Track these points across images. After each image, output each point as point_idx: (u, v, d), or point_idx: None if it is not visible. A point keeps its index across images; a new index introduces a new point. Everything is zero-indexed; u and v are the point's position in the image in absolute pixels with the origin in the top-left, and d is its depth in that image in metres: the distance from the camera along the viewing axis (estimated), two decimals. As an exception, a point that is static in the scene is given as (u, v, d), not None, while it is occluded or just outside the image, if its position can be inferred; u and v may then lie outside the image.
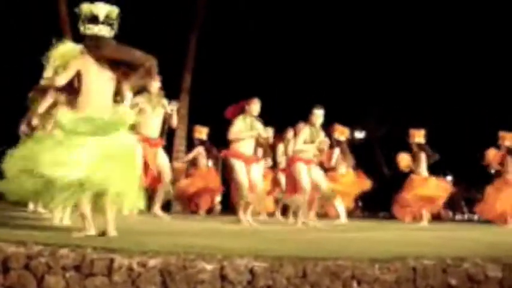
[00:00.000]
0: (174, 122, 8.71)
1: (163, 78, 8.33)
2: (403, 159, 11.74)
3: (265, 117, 9.14)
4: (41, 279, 3.40)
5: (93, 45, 4.93)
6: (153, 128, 8.38)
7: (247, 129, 8.67)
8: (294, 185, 9.02)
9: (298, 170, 8.81)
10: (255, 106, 8.74)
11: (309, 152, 8.95)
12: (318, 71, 21.01)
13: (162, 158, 8.44)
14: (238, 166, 8.55)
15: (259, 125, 8.84)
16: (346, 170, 11.48)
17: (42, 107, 6.55)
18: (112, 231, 4.67)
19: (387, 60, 21.08)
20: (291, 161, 9.15)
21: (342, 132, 11.41)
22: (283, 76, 20.35)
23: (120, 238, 4.46)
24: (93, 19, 4.90)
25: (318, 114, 8.90)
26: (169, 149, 18.80)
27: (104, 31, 4.93)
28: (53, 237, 4.13)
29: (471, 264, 4.05)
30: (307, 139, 8.87)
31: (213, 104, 9.27)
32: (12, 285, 3.37)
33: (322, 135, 9.04)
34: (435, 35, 20.65)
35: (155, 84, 8.26)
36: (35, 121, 6.93)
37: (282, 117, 10.59)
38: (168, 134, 18.87)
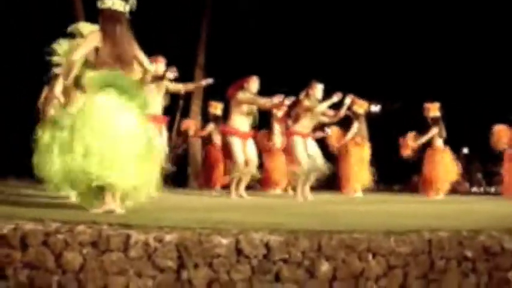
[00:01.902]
0: (179, 86, 8.73)
1: (178, 54, 8.35)
2: (410, 140, 11.63)
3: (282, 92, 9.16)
4: (59, 255, 3.43)
5: (106, 19, 4.93)
6: (157, 106, 8.45)
7: (246, 106, 8.84)
8: (292, 158, 9.16)
9: (294, 144, 8.88)
10: (254, 84, 8.90)
11: (307, 126, 9.01)
12: (336, 45, 20.86)
13: (164, 136, 8.53)
14: (235, 142, 8.72)
15: (261, 100, 8.98)
16: (362, 142, 11.47)
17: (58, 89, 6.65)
18: (119, 209, 4.69)
19: (404, 34, 20.89)
20: (288, 134, 9.21)
21: (361, 106, 11.38)
22: (298, 50, 20.23)
23: (136, 214, 4.49)
24: None
25: (318, 88, 8.95)
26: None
27: (118, 5, 4.94)
28: (70, 214, 4.17)
29: (487, 236, 4.05)
30: (310, 107, 8.91)
31: (227, 80, 9.26)
32: (30, 261, 3.40)
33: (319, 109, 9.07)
34: (449, 7, 20.41)
35: (160, 65, 8.31)
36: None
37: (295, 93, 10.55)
38: (183, 109, 18.90)
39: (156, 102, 8.35)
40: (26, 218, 3.69)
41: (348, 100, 9.35)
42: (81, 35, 5.56)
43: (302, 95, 9.06)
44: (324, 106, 8.96)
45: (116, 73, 4.80)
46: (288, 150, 9.40)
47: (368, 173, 11.55)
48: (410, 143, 11.59)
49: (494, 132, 11.60)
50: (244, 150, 8.86)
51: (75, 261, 3.43)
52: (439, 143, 11.41)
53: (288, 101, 8.94)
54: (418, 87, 19.74)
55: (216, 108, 12.56)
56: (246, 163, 8.84)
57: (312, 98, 8.96)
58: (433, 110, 11.46)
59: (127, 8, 5.01)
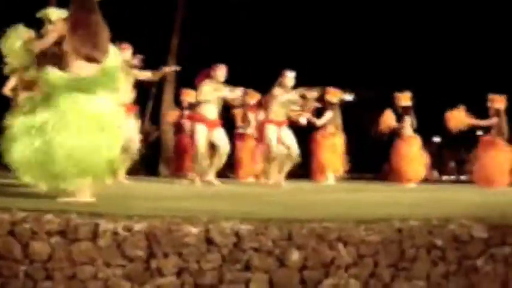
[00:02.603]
0: (148, 74, 8.72)
1: (151, 41, 8.32)
2: (388, 118, 11.70)
3: (251, 82, 9.21)
4: (26, 245, 3.39)
5: (79, 8, 4.85)
6: (126, 94, 8.41)
7: (213, 94, 8.84)
8: (264, 146, 9.23)
9: (267, 132, 8.94)
10: (221, 72, 8.90)
11: (280, 114, 9.06)
12: (307, 35, 20.87)
13: (132, 124, 8.49)
14: (200, 130, 8.73)
15: (225, 90, 8.99)
16: (335, 131, 11.50)
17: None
18: (88, 198, 4.64)
19: (376, 25, 20.97)
20: (262, 123, 9.25)
21: (334, 95, 11.40)
22: (270, 39, 20.19)
23: (105, 203, 4.44)
24: None
25: (290, 77, 9.02)
26: (157, 113, 18.81)
27: None
28: (38, 203, 4.11)
29: (457, 224, 4.08)
30: (277, 97, 8.98)
31: (200, 67, 9.23)
32: (-4, 251, 3.36)
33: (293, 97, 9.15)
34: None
35: (127, 52, 8.27)
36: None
37: (270, 81, 10.53)
38: (155, 97, 18.79)
39: (125, 90, 8.30)
40: (-8, 207, 3.63)
41: (313, 94, 9.45)
42: (50, 21, 5.46)
43: (277, 84, 9.11)
44: (286, 96, 9.02)
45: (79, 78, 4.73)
46: (261, 138, 9.44)
47: (341, 161, 11.59)
48: (388, 121, 11.66)
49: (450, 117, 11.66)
50: (213, 138, 8.85)
51: (42, 251, 3.39)
52: (408, 132, 11.48)
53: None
54: (391, 76, 19.84)
55: (189, 95, 12.48)
56: (214, 150, 8.86)
57: (282, 87, 9.01)
58: (404, 99, 11.52)
59: None
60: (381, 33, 21.19)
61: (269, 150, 8.96)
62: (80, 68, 4.73)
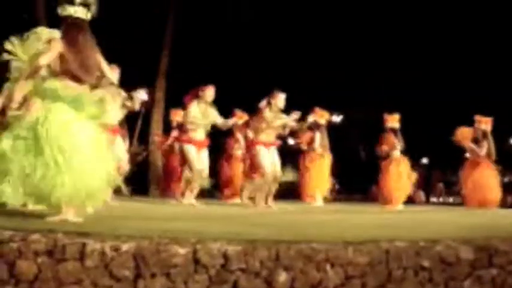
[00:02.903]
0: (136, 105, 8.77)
1: (141, 61, 8.36)
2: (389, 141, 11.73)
3: (240, 102, 9.23)
4: (13, 264, 3.37)
5: (69, 27, 4.87)
6: (113, 116, 8.42)
7: (201, 115, 8.84)
8: (254, 168, 9.21)
9: (258, 153, 8.89)
10: (210, 92, 8.95)
11: (270, 135, 9.06)
12: (296, 55, 20.98)
13: (120, 145, 8.47)
14: (190, 150, 8.76)
15: (213, 112, 9.01)
16: (322, 152, 11.54)
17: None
18: (75, 218, 4.62)
19: (365, 44, 21.11)
20: (251, 144, 9.26)
21: (321, 116, 11.47)
22: (259, 59, 20.29)
23: (92, 222, 4.43)
24: (70, 0, 4.85)
25: (280, 97, 9.01)
26: (145, 133, 18.78)
27: (80, 12, 4.89)
28: (25, 223, 4.10)
29: (443, 246, 4.09)
30: (269, 121, 8.95)
31: (190, 87, 9.27)
32: (-17, 271, 3.34)
33: (284, 117, 9.13)
34: (409, 20, 20.70)
35: (115, 73, 8.30)
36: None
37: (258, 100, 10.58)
38: (144, 117, 18.78)
39: (111, 112, 8.32)
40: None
41: (311, 118, 9.52)
42: (40, 40, 5.49)
43: (263, 104, 9.08)
44: (280, 122, 9.03)
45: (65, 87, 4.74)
46: (250, 160, 9.44)
47: (328, 182, 11.62)
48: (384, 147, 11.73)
49: (458, 132, 11.76)
50: (198, 159, 8.89)
51: (29, 271, 3.37)
52: (396, 153, 11.54)
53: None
54: (379, 98, 19.96)
55: (178, 115, 12.50)
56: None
57: (273, 108, 8.99)
58: (392, 120, 11.59)
59: (89, 16, 4.95)
60: (370, 54, 21.34)
61: (262, 171, 8.93)
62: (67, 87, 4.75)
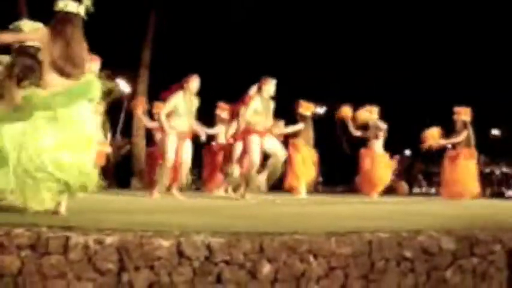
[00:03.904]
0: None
1: (123, 53, 8.33)
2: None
3: (227, 93, 9.19)
4: (-4, 258, 3.36)
5: (58, 21, 4.85)
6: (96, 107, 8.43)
7: (185, 105, 8.79)
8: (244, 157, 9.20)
9: (250, 143, 8.84)
10: (194, 83, 8.85)
11: (262, 123, 8.96)
12: (280, 46, 20.99)
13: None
14: (170, 139, 8.69)
15: (197, 103, 8.98)
16: (306, 144, 11.58)
17: None
18: (63, 211, 4.62)
19: (349, 37, 21.17)
20: (244, 132, 9.12)
21: (307, 108, 11.50)
22: (244, 51, 20.28)
23: (75, 216, 4.43)
24: None
25: (271, 83, 8.93)
26: (128, 126, 18.74)
27: (71, 7, 4.88)
28: (7, 217, 4.08)
29: (426, 236, 4.13)
30: (260, 109, 8.87)
31: (172, 80, 9.23)
32: (-34, 265, 3.32)
33: (271, 105, 9.07)
34: (395, 13, 20.80)
35: (96, 64, 8.28)
36: None
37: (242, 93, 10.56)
38: (127, 111, 18.68)
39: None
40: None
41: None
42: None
43: (253, 90, 9.03)
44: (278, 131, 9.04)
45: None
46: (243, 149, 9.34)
47: (312, 174, 11.67)
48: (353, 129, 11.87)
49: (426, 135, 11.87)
50: (180, 150, 8.83)
51: (12, 265, 3.36)
52: (375, 145, 11.70)
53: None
54: (361, 91, 20.03)
55: (160, 108, 12.47)
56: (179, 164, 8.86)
57: (263, 94, 8.92)
58: (370, 112, 11.73)
59: (81, 10, 4.94)
60: (354, 48, 21.41)
61: (251, 163, 8.88)
62: (53, 80, 4.73)
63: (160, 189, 8.90)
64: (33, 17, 6.03)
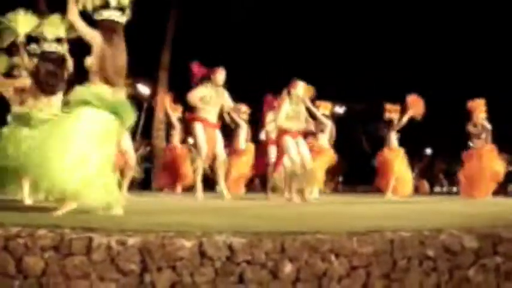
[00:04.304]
0: None
1: (142, 55, 8.38)
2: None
3: (244, 93, 9.22)
4: (20, 260, 3.39)
5: (105, 31, 4.92)
6: None
7: (210, 97, 8.81)
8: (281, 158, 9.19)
9: (285, 143, 8.83)
10: (220, 76, 8.87)
11: (294, 125, 8.97)
12: (299, 47, 20.95)
13: (126, 139, 8.51)
14: (199, 128, 8.69)
15: (225, 95, 8.98)
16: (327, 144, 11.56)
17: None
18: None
19: (366, 36, 21.07)
20: (277, 136, 9.15)
21: (325, 107, 11.49)
22: (262, 51, 20.27)
23: (98, 217, 4.46)
24: (105, 5, 4.94)
25: (299, 85, 8.95)
26: (149, 127, 18.82)
27: (115, 16, 4.96)
28: (31, 218, 4.12)
29: (448, 235, 4.10)
30: (290, 113, 8.88)
31: (191, 82, 9.27)
32: (-10, 267, 3.36)
33: (303, 108, 9.08)
34: (414, 8, 20.66)
35: None
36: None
37: (261, 94, 10.56)
38: (147, 111, 18.74)
39: None
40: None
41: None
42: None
43: (284, 94, 9.09)
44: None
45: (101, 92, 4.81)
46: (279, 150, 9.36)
47: (325, 176, 11.65)
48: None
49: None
50: (212, 142, 8.84)
51: (36, 266, 3.39)
52: (395, 144, 11.65)
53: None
54: (382, 89, 19.94)
55: (178, 111, 12.55)
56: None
57: (293, 97, 8.93)
58: (393, 111, 11.68)
59: (124, 19, 5.02)
60: (372, 45, 21.30)
61: (290, 162, 8.89)
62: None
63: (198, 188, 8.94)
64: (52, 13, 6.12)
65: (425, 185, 16.97)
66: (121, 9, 5.00)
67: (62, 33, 6.21)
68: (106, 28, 4.94)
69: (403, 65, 21.73)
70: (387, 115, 11.69)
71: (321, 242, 3.74)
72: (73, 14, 4.92)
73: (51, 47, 6.20)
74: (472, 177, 11.34)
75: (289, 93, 8.90)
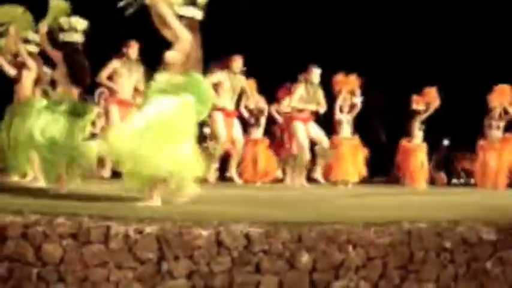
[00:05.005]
0: None
1: (155, 44, 8.40)
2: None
3: (262, 81, 9.26)
4: (38, 248, 3.42)
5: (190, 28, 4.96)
6: (127, 91, 8.58)
7: (228, 85, 8.85)
8: (292, 144, 9.25)
9: (296, 129, 8.91)
10: (237, 63, 8.90)
11: (306, 110, 9.09)
12: (316, 36, 20.82)
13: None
14: (218, 118, 8.72)
15: (242, 80, 9.02)
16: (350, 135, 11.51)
17: None
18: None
19: (385, 26, 20.92)
20: (288, 119, 9.26)
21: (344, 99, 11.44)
22: (277, 38, 20.16)
23: (116, 206, 4.49)
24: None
25: (316, 72, 9.05)
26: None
27: (196, 14, 5.08)
28: (50, 206, 4.15)
29: (465, 227, 4.08)
30: (304, 96, 8.99)
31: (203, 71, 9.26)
32: (9, 254, 3.39)
33: (320, 94, 9.16)
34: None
35: (134, 50, 8.45)
36: None
37: (277, 82, 10.54)
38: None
39: (128, 88, 8.47)
40: (4, 209, 3.67)
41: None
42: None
43: (300, 80, 9.18)
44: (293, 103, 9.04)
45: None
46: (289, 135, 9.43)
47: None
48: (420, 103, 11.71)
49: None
50: (230, 130, 8.86)
51: (55, 254, 3.42)
52: (419, 135, 11.57)
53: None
54: (400, 81, 19.82)
55: None
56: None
57: (308, 84, 9.07)
58: (421, 102, 11.64)
59: (200, 16, 5.12)
60: (388, 36, 21.14)
61: (300, 148, 8.97)
62: None
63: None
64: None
65: (443, 176, 16.82)
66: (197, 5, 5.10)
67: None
68: (188, 25, 4.99)
69: (421, 57, 21.57)
70: (414, 106, 11.61)
71: (338, 232, 3.74)
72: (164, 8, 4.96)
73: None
74: (491, 169, 11.22)
75: (305, 80, 9.05)
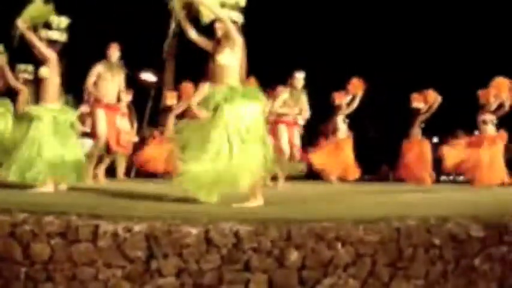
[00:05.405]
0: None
1: (149, 43, 8.39)
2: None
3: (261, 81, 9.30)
4: (27, 246, 3.41)
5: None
6: (112, 94, 8.51)
7: None
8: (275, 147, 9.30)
9: (279, 133, 9.03)
10: None
11: (290, 115, 9.24)
12: (306, 36, 20.85)
13: (122, 123, 8.62)
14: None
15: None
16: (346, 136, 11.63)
17: None
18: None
19: (379, 25, 20.96)
20: (273, 122, 9.33)
21: (339, 98, 11.59)
22: (272, 40, 20.19)
23: (104, 204, 4.47)
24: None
25: (299, 78, 9.12)
26: (156, 115, 18.79)
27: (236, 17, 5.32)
28: (38, 205, 4.13)
29: (454, 224, 4.09)
30: (288, 101, 9.07)
31: (199, 69, 9.24)
32: (-3, 253, 3.38)
33: (304, 98, 9.23)
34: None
35: (115, 53, 8.42)
36: None
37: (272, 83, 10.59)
38: (154, 99, 18.71)
39: (112, 91, 8.44)
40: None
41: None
42: None
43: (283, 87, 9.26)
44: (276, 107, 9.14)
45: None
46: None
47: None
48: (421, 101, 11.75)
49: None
50: None
51: (43, 252, 3.41)
52: (418, 132, 11.66)
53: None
54: (403, 79, 19.87)
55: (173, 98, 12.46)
56: None
57: (292, 89, 9.15)
58: (421, 100, 11.71)
59: (240, 19, 5.32)
60: (385, 32, 21.16)
61: (282, 151, 9.04)
62: None
63: None
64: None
65: (431, 173, 16.88)
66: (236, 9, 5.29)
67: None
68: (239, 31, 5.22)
69: (411, 56, 21.63)
70: (414, 104, 11.67)
71: (327, 229, 3.74)
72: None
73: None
74: (483, 164, 11.23)
75: (291, 84, 9.15)
